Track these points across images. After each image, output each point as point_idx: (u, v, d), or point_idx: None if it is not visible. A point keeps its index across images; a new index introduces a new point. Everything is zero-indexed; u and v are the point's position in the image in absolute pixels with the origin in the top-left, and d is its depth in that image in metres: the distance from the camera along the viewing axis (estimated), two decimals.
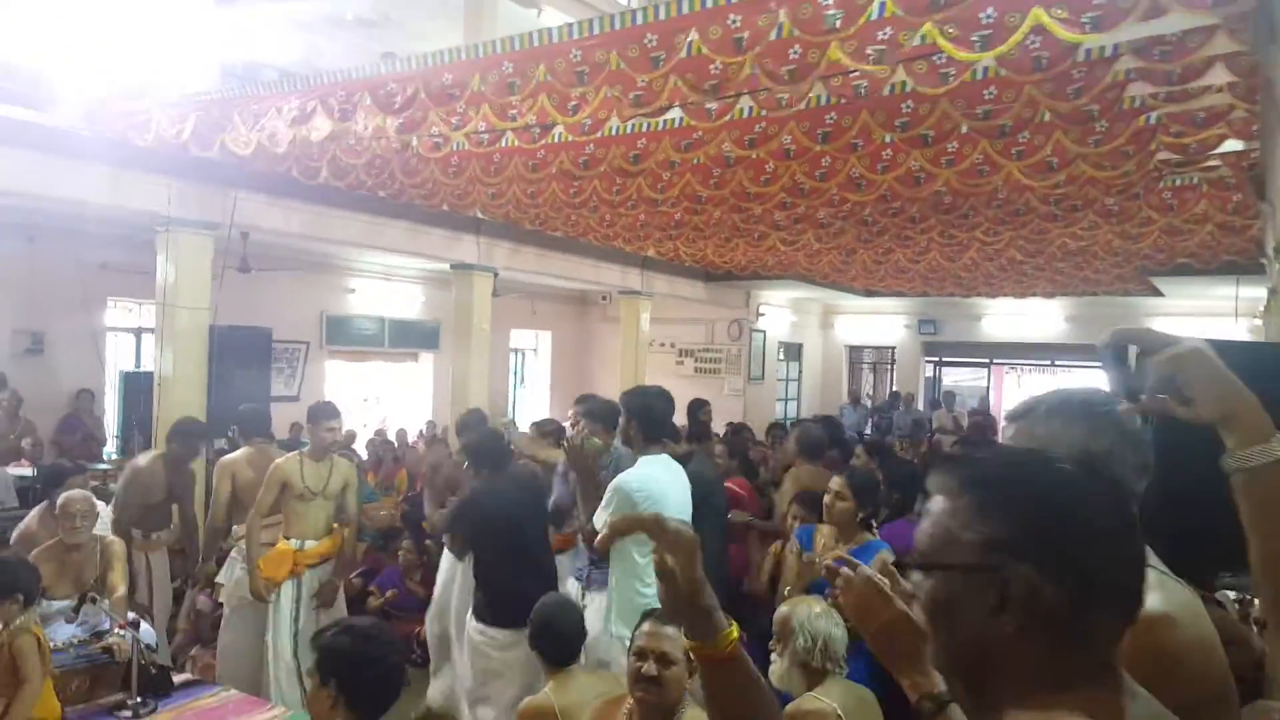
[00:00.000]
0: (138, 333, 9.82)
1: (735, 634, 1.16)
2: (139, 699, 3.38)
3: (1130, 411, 1.19)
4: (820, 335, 16.93)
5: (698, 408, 6.73)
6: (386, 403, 12.71)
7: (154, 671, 3.55)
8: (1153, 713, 0.91)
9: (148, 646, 3.55)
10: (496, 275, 9.48)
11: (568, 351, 15.31)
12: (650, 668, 2.37)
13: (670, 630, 2.41)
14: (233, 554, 4.60)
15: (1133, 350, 1.24)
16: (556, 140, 5.27)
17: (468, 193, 6.81)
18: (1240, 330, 11.33)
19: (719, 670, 1.17)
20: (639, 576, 3.50)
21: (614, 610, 3.48)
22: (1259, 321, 10.55)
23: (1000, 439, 1.43)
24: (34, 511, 4.48)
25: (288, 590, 4.33)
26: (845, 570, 1.34)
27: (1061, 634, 0.86)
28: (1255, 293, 9.73)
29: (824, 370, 16.89)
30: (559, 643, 3.03)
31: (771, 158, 5.28)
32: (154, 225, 6.75)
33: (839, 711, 2.46)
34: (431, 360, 12.71)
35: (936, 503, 0.96)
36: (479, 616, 3.86)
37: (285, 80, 5.11)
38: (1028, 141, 4.82)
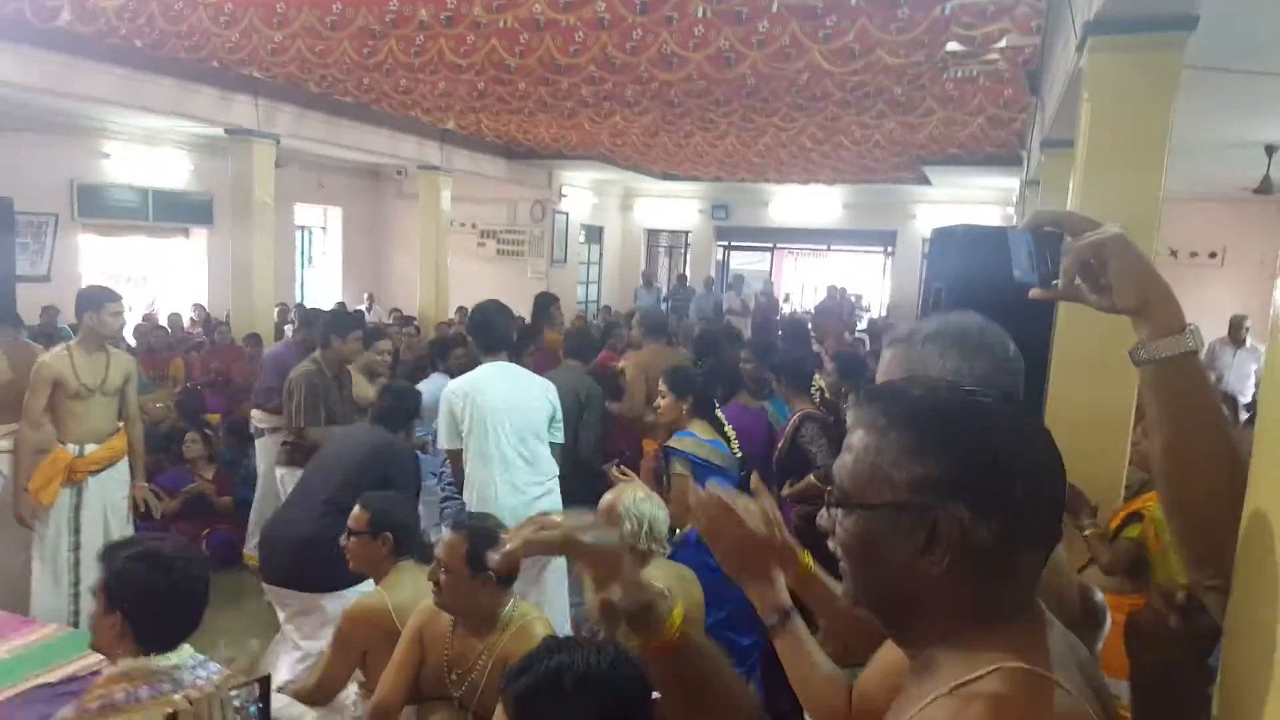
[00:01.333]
0: None
1: (679, 618, 1.06)
2: None
3: (1041, 297, 1.14)
4: (620, 218, 16.93)
5: (548, 304, 6.54)
6: (153, 284, 11.41)
7: None
8: (1066, 640, 0.91)
9: None
10: (278, 143, 8.59)
11: (360, 230, 14.40)
12: (435, 573, 2.41)
13: (446, 534, 2.44)
14: None
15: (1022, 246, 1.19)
16: None
17: (243, 46, 6.03)
18: (994, 217, 12.45)
19: (669, 661, 1.07)
20: (479, 483, 3.47)
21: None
22: (1011, 210, 11.62)
23: (877, 365, 1.38)
24: None
25: (64, 500, 3.83)
26: (695, 489, 1.31)
27: (990, 571, 0.85)
28: (1009, 183, 10.65)
29: (623, 254, 17.00)
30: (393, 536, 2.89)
31: (584, 26, 5.02)
32: None
33: (665, 590, 2.51)
34: (205, 237, 11.49)
35: (859, 437, 0.91)
36: None
37: None
38: (835, 25, 4.87)
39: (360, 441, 3.66)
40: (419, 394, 4.01)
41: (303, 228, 13.57)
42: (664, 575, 2.60)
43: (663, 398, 3.72)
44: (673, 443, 3.66)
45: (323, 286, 13.80)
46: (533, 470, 3.65)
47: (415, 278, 11.45)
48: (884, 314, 14.51)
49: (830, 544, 0.94)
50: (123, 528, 4.03)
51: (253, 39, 5.70)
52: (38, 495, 3.77)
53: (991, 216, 12.53)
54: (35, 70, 6.42)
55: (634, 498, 2.70)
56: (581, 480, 3.97)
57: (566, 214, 14.69)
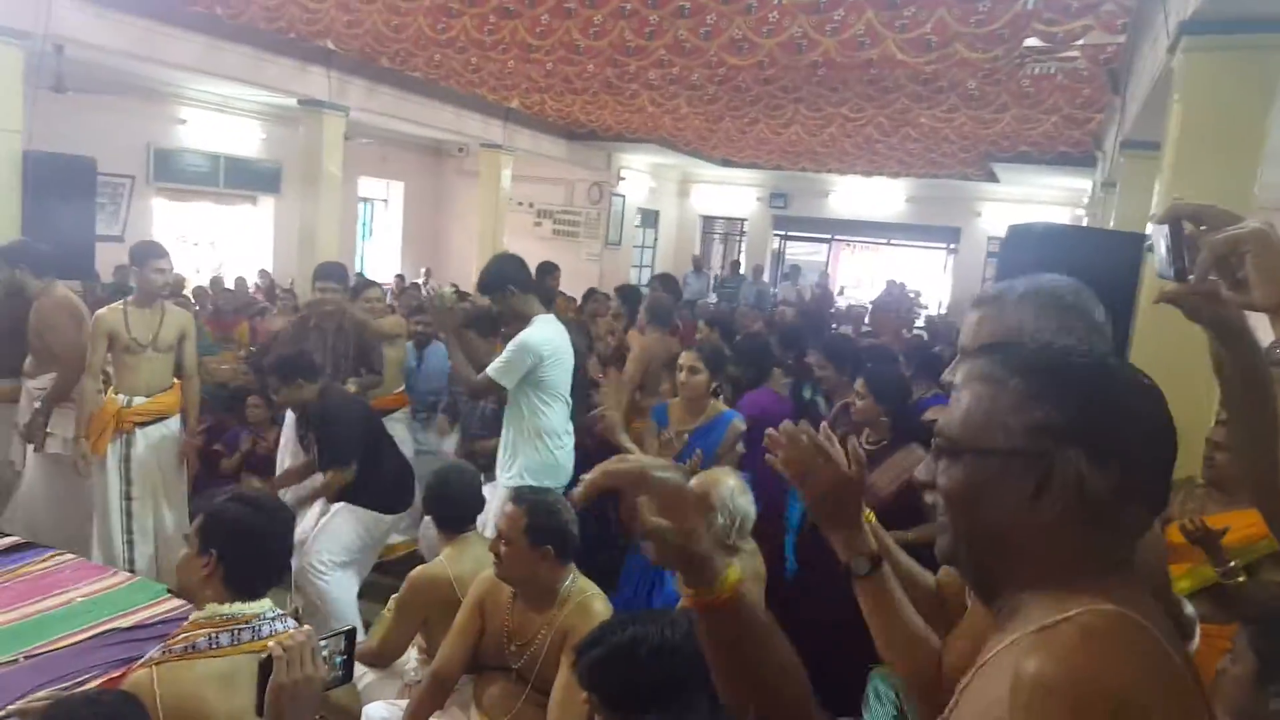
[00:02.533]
0: None
1: (735, 577, 1.05)
2: None
3: (1174, 296, 1.09)
4: (677, 203, 16.90)
5: (546, 272, 6.54)
6: (221, 248, 11.71)
7: None
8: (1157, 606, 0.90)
9: None
10: (348, 115, 8.73)
11: (421, 204, 14.59)
12: (496, 544, 2.44)
13: (507, 506, 2.48)
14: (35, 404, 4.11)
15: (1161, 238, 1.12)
16: None
17: (320, 18, 6.14)
18: (1063, 218, 12.15)
19: (720, 619, 1.05)
20: (548, 433, 3.46)
21: (518, 470, 3.42)
22: (1081, 211, 11.34)
23: (963, 325, 1.36)
24: None
25: (115, 450, 3.96)
26: (789, 429, 1.30)
27: (1098, 521, 0.85)
28: (1080, 183, 10.39)
29: (678, 239, 16.97)
30: (453, 507, 2.93)
31: (662, 11, 5.02)
32: None
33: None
34: (272, 204, 11.75)
35: (973, 387, 0.92)
36: None
37: None
38: (912, 17, 4.80)
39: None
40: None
41: (365, 200, 13.79)
42: (743, 570, 2.61)
43: (695, 373, 3.71)
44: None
45: (382, 259, 14.02)
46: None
47: (472, 254, 11.58)
48: (944, 311, 14.29)
49: (928, 497, 0.95)
50: (176, 480, 4.16)
51: (329, 11, 5.80)
52: (92, 445, 3.92)
53: (1061, 217, 12.23)
54: (120, 34, 6.61)
55: (730, 490, 2.67)
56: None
57: (623, 197, 14.70)
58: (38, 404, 3.99)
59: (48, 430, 4.00)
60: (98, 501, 3.99)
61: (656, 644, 1.50)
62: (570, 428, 3.63)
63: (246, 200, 11.78)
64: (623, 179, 14.49)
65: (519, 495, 2.56)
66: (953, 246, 15.06)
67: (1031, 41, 5.04)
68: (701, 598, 1.03)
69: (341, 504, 3.67)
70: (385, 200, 14.35)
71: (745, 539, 2.70)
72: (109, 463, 3.95)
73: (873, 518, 1.37)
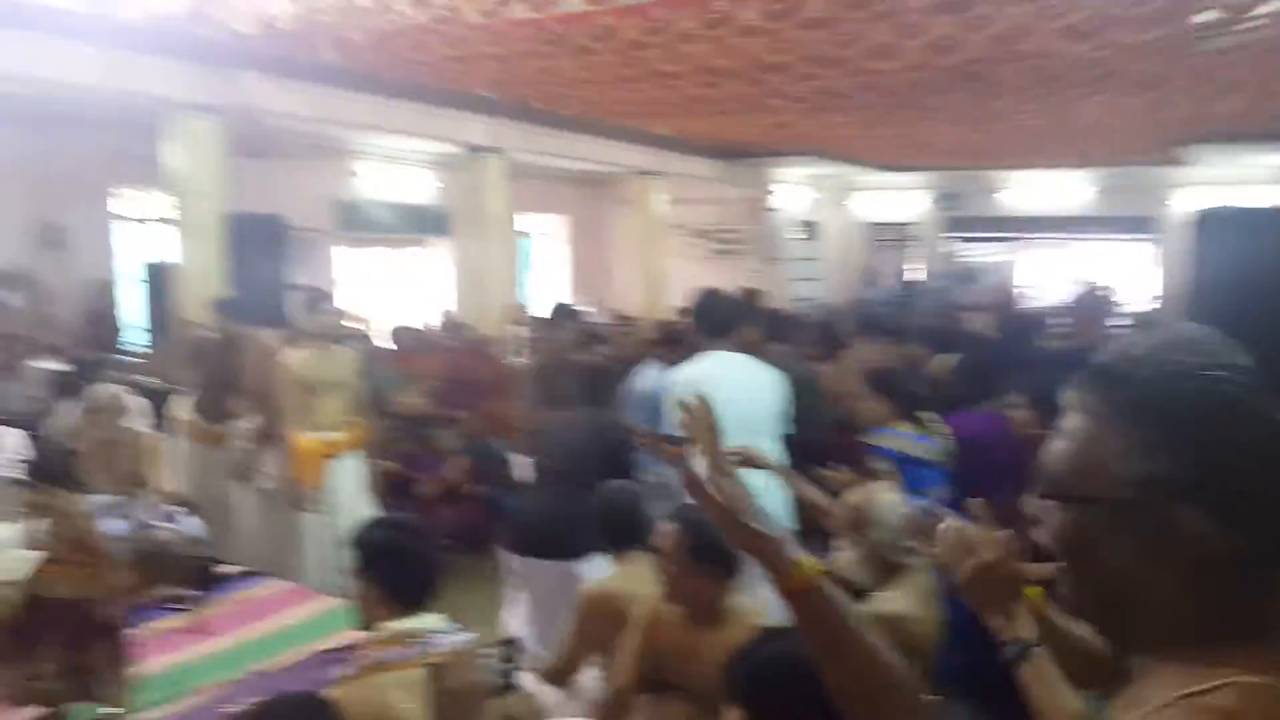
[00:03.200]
0: (153, 222, 9.81)
1: (811, 568, 1.07)
2: (188, 591, 3.54)
3: None
4: (838, 213, 16.68)
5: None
6: (402, 290, 12.72)
7: (199, 564, 3.70)
8: None
9: (195, 539, 3.69)
10: (508, 157, 9.35)
11: (583, 235, 15.19)
12: (661, 564, 2.50)
13: (666, 526, 2.52)
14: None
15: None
16: (568, 12, 5.10)
17: (475, 70, 6.66)
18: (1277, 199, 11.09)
19: (802, 607, 1.07)
20: None
21: None
22: None
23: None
24: (70, 405, 4.61)
25: (320, 484, 4.45)
26: (936, 521, 1.36)
27: (1227, 584, 0.76)
28: None
29: (843, 249, 16.74)
30: (622, 526, 3.05)
31: (787, 21, 5.11)
32: (161, 110, 6.66)
33: (910, 615, 2.50)
34: (445, 247, 12.63)
35: (1078, 422, 0.83)
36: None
37: None
38: (1060, 5, 4.66)
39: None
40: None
41: (529, 235, 14.54)
42: (912, 596, 2.55)
43: (865, 398, 3.72)
44: (877, 440, 3.66)
45: (550, 292, 14.72)
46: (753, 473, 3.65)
47: (634, 280, 11.96)
48: (1150, 308, 13.18)
49: (1035, 535, 0.88)
50: (369, 508, 4.58)
51: (482, 63, 6.28)
52: (298, 481, 4.43)
53: (1275, 198, 11.17)
54: (303, 101, 7.43)
55: (891, 505, 2.62)
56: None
57: (781, 210, 14.71)
58: (246, 444, 4.56)
59: (256, 468, 4.56)
60: (307, 532, 4.49)
61: (806, 659, 1.55)
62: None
63: (423, 243, 12.75)
64: (779, 193, 14.51)
65: (677, 514, 2.59)
66: (1151, 237, 14.01)
67: (1204, 16, 4.77)
68: (781, 584, 1.08)
69: None
70: (548, 234, 15.06)
71: (910, 555, 2.58)
72: (314, 495, 4.45)
73: (1039, 593, 1.35)
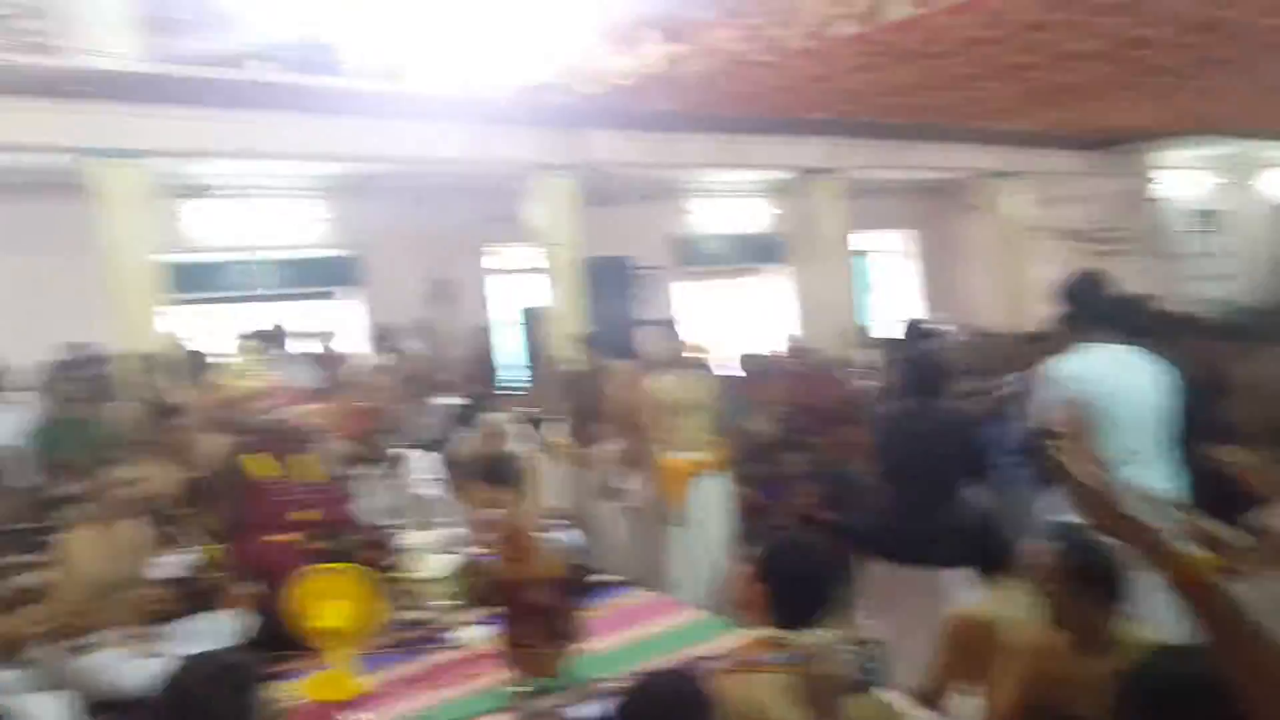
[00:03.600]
0: (523, 273, 11.20)
1: (1204, 562, 1.08)
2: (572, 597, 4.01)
3: None
4: (1243, 197, 14.57)
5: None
6: (742, 319, 13.20)
7: (580, 572, 4.16)
8: None
9: (579, 548, 4.17)
10: (844, 176, 9.41)
11: (929, 250, 14.72)
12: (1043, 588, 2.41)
13: (1046, 545, 2.41)
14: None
15: None
16: (893, 20, 5.06)
17: (802, 94, 6.83)
18: None
19: (1198, 601, 1.10)
20: None
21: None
22: None
23: None
24: (461, 433, 5.42)
25: (684, 501, 4.78)
26: None
27: None
28: None
29: (1251, 238, 14.55)
30: (990, 547, 3.01)
31: None
32: (523, 173, 7.64)
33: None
34: (783, 273, 12.95)
35: None
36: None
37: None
38: None
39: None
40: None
41: (868, 253, 14.40)
42: None
43: None
44: None
45: (892, 310, 14.44)
46: (1145, 472, 3.27)
47: (988, 291, 11.39)
48: None
49: None
50: (731, 525, 4.84)
51: (812, 85, 6.43)
52: (666, 499, 4.78)
53: None
54: (641, 149, 8.11)
55: None
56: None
57: (1170, 200, 13.15)
58: (612, 465, 5.06)
59: (620, 487, 5.04)
60: (674, 547, 4.85)
61: (1209, 676, 1.47)
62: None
63: (760, 272, 13.18)
64: (1162, 181, 13.02)
65: (1057, 533, 2.50)
66: None
67: None
68: (1173, 577, 1.10)
69: None
70: (891, 251, 14.80)
71: None
72: (676, 513, 4.80)
73: None
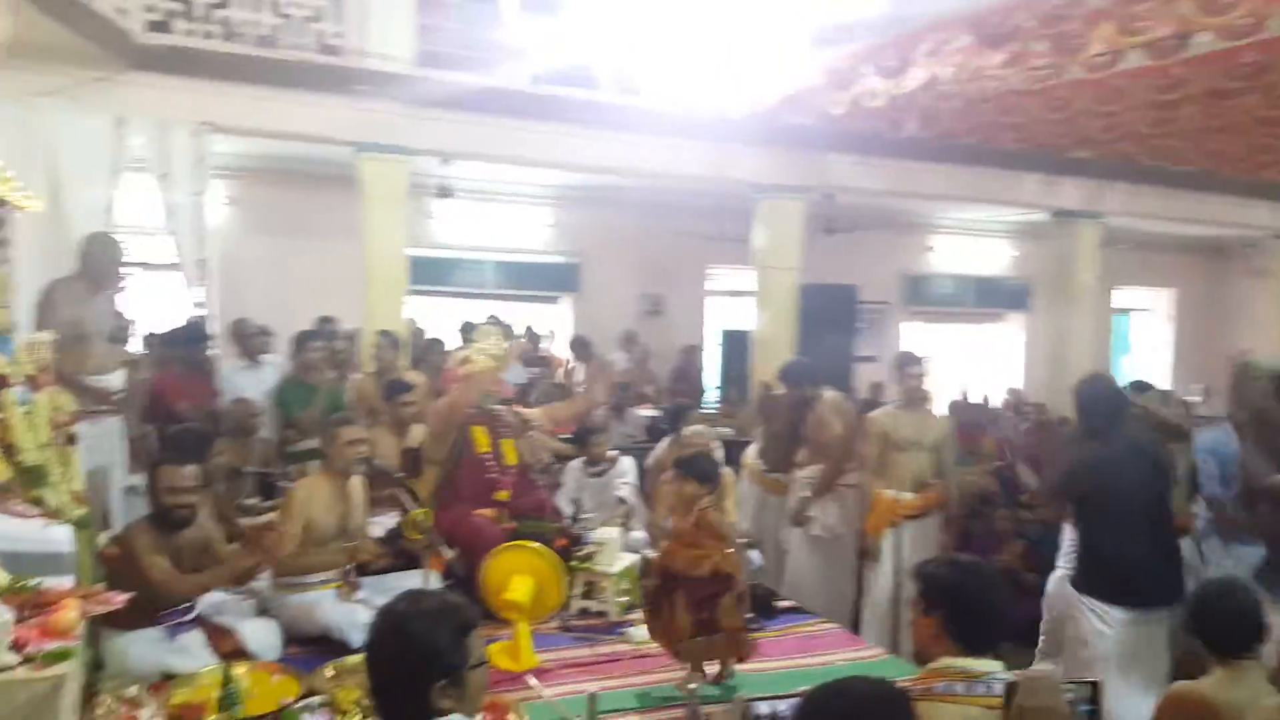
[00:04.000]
0: (734, 295, 11.39)
1: None
2: (749, 615, 4.01)
3: None
4: None
5: None
6: (966, 367, 12.76)
7: (760, 593, 4.22)
8: None
9: (758, 568, 4.24)
10: (1101, 223, 8.90)
11: (1194, 312, 13.57)
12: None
13: None
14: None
15: None
16: (1199, 54, 4.73)
17: (1074, 129, 6.53)
18: None
19: None
20: None
21: None
22: None
23: None
24: (662, 443, 5.61)
25: (888, 540, 4.73)
26: None
27: None
28: None
29: None
30: (1225, 629, 2.78)
31: None
32: (751, 194, 7.78)
33: None
34: (1020, 322, 12.44)
35: None
36: (1081, 588, 3.82)
37: (886, 31, 5.42)
38: None
39: None
40: None
41: (1124, 310, 13.50)
42: None
43: None
44: None
45: (1142, 373, 13.42)
46: None
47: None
48: None
49: None
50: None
51: (1084, 120, 6.14)
52: (873, 533, 4.75)
53: None
54: (881, 176, 8.04)
55: None
56: None
57: None
58: (804, 492, 5.07)
59: (811, 515, 5.03)
60: (871, 584, 4.82)
61: None
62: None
63: (994, 318, 12.71)
64: None
65: None
66: None
67: None
68: None
69: None
70: (1148, 310, 13.78)
71: None
72: (884, 551, 4.76)
73: None
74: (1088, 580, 3.81)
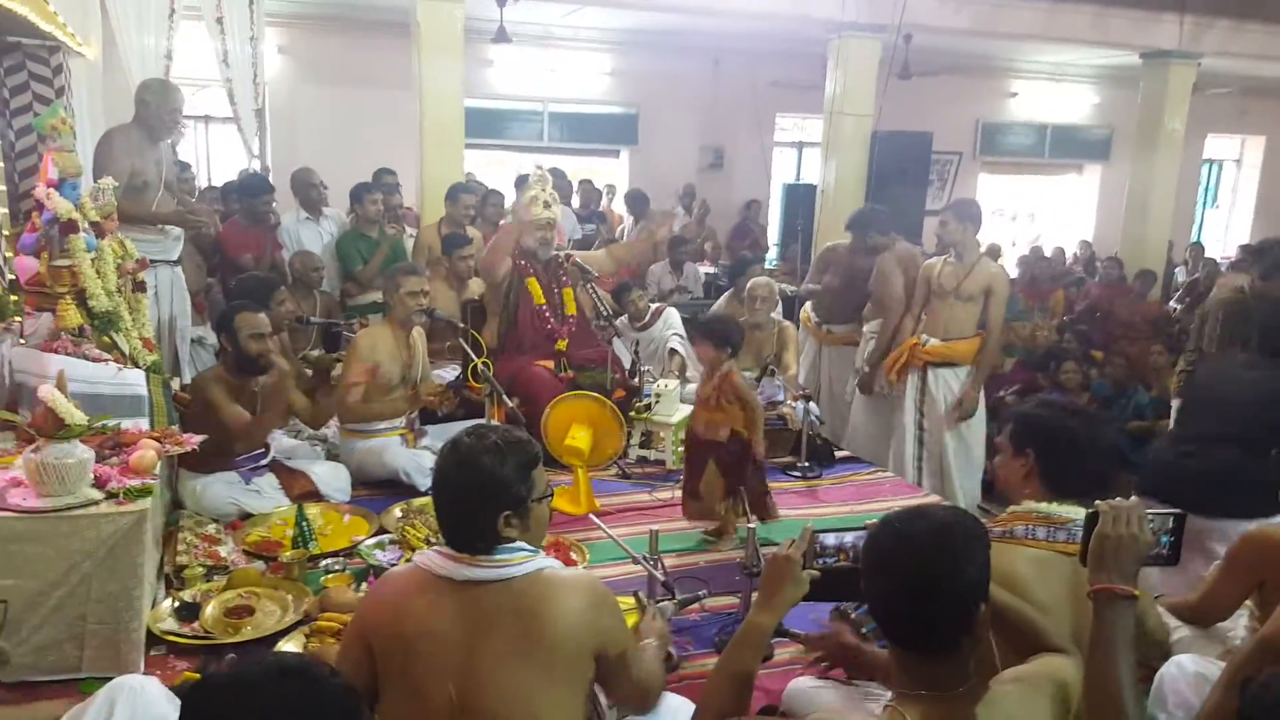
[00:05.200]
0: (799, 147, 11.00)
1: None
2: (806, 463, 4.10)
3: None
4: None
5: None
6: (1040, 219, 12.39)
7: (819, 443, 4.24)
8: None
9: (817, 419, 4.23)
10: (1200, 64, 8.30)
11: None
12: None
13: None
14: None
15: None
16: None
17: None
18: None
19: None
20: None
21: None
22: None
23: None
24: (723, 296, 5.53)
25: (911, 384, 4.64)
26: None
27: None
28: None
29: None
30: None
31: None
32: (825, 35, 7.37)
33: None
34: (1098, 172, 11.90)
35: None
36: None
37: None
38: None
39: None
40: None
41: (1211, 161, 12.81)
42: None
43: None
44: None
45: (1226, 228, 12.90)
46: None
47: None
48: None
49: None
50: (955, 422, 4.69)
51: None
52: (890, 374, 4.69)
53: None
54: (965, 14, 7.53)
55: None
56: None
57: None
58: (865, 346, 5.00)
59: (869, 369, 4.97)
60: (895, 427, 4.80)
61: None
62: None
63: (1071, 169, 12.17)
64: None
65: None
66: None
67: None
68: None
69: None
70: (1238, 160, 13.05)
71: None
72: (907, 395, 4.68)
73: None
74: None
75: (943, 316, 4.55)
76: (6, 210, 3.31)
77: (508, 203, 6.53)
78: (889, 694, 1.52)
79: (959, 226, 4.49)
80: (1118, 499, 1.58)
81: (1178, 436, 3.74)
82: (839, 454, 4.42)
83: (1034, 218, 12.32)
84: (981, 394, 4.67)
